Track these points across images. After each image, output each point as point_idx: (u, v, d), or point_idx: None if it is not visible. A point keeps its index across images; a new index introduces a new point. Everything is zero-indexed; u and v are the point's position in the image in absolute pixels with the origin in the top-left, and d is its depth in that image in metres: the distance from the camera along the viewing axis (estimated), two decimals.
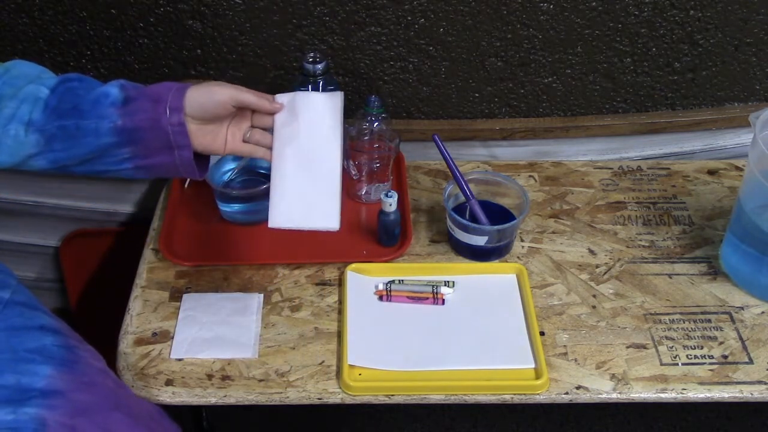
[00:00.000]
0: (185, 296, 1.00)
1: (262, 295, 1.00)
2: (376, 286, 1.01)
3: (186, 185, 1.15)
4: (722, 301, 1.01)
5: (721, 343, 0.96)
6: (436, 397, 0.90)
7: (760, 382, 0.91)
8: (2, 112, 0.79)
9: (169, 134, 0.80)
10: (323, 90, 1.05)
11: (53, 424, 0.76)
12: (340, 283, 1.02)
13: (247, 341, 0.95)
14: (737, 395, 0.90)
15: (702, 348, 0.95)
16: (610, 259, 1.07)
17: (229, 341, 0.94)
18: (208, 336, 0.95)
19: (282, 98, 0.87)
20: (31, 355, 0.80)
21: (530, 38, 1.10)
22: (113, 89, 0.81)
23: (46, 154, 0.80)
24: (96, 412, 0.80)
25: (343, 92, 0.87)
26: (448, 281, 1.01)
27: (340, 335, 0.95)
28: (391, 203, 1.02)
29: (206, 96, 0.81)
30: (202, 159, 0.87)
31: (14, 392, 0.76)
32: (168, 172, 0.84)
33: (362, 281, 1.02)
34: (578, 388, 0.91)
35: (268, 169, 1.12)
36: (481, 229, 1.02)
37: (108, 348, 0.95)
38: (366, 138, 1.08)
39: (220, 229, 1.10)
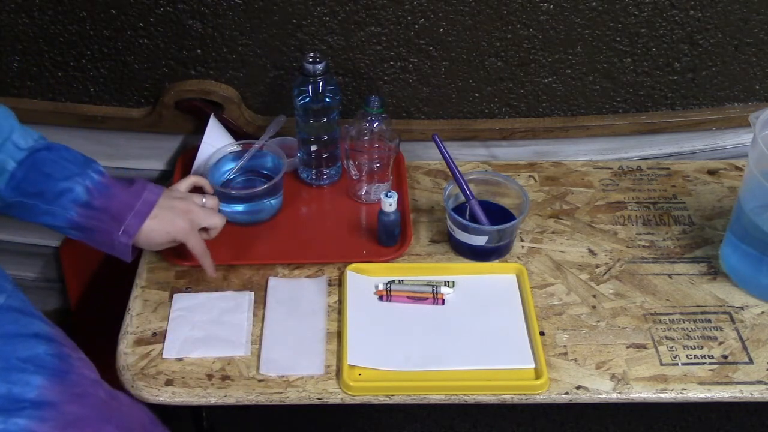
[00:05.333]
0: (176, 296, 1.00)
1: (252, 293, 1.01)
2: (376, 286, 1.01)
3: None
4: (722, 301, 1.01)
5: (721, 343, 0.96)
6: (436, 397, 0.90)
7: (760, 382, 0.91)
8: None
9: (114, 246, 0.89)
10: (323, 90, 1.05)
11: None
12: (340, 283, 1.02)
13: (239, 339, 0.95)
14: (737, 395, 0.90)
15: (702, 348, 0.95)
16: (610, 259, 1.07)
17: (221, 339, 0.95)
18: (201, 335, 0.95)
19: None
20: (23, 364, 0.79)
21: (530, 38, 1.10)
22: (78, 188, 0.86)
23: (2, 209, 0.88)
24: (86, 424, 0.80)
25: (326, 276, 1.03)
26: (448, 281, 1.01)
27: (340, 335, 0.95)
28: (391, 203, 1.02)
29: (159, 237, 0.91)
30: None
31: (5, 402, 0.76)
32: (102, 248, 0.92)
33: (362, 281, 1.02)
34: (578, 388, 0.91)
35: (268, 169, 1.13)
36: (481, 229, 1.02)
37: (108, 348, 0.95)
38: (366, 138, 1.08)
39: None
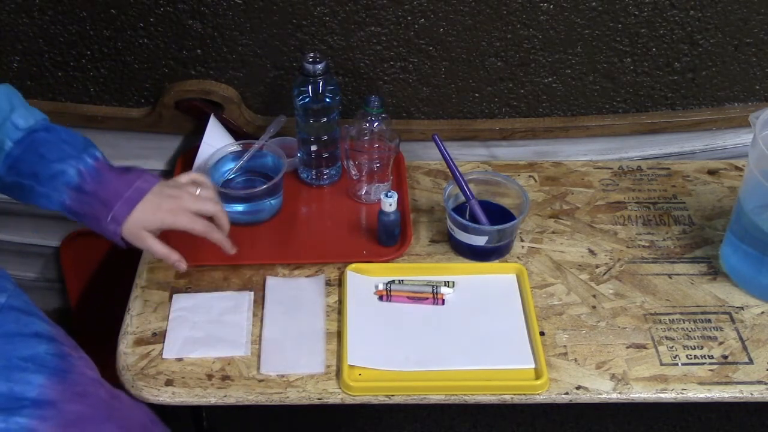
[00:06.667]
0: (176, 296, 1.00)
1: (252, 293, 1.00)
2: (376, 286, 1.01)
3: None
4: (722, 301, 1.01)
5: (721, 343, 0.96)
6: (436, 397, 0.90)
7: (760, 382, 0.91)
8: None
9: (105, 232, 0.88)
10: (323, 90, 1.05)
11: None
12: (340, 283, 1.02)
13: (239, 339, 0.95)
14: (737, 395, 0.90)
15: (702, 348, 0.95)
16: (610, 259, 1.07)
17: (221, 340, 0.95)
18: (201, 335, 0.95)
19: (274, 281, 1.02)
20: (24, 363, 0.79)
21: (530, 38, 1.10)
22: (71, 170, 0.86)
23: (0, 189, 0.89)
24: (88, 423, 0.80)
25: (324, 275, 1.03)
26: (448, 281, 1.01)
27: (340, 335, 0.95)
28: (391, 203, 1.02)
29: (149, 223, 0.88)
30: None
31: (6, 401, 0.76)
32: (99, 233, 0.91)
33: (362, 281, 1.02)
34: (578, 388, 0.91)
35: (268, 169, 1.13)
36: (481, 229, 1.02)
37: (108, 348, 0.95)
38: (366, 138, 1.08)
39: None
